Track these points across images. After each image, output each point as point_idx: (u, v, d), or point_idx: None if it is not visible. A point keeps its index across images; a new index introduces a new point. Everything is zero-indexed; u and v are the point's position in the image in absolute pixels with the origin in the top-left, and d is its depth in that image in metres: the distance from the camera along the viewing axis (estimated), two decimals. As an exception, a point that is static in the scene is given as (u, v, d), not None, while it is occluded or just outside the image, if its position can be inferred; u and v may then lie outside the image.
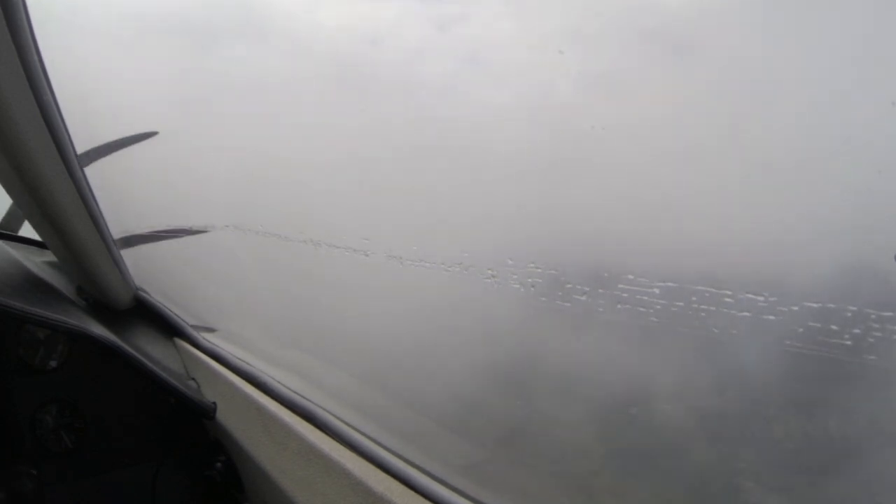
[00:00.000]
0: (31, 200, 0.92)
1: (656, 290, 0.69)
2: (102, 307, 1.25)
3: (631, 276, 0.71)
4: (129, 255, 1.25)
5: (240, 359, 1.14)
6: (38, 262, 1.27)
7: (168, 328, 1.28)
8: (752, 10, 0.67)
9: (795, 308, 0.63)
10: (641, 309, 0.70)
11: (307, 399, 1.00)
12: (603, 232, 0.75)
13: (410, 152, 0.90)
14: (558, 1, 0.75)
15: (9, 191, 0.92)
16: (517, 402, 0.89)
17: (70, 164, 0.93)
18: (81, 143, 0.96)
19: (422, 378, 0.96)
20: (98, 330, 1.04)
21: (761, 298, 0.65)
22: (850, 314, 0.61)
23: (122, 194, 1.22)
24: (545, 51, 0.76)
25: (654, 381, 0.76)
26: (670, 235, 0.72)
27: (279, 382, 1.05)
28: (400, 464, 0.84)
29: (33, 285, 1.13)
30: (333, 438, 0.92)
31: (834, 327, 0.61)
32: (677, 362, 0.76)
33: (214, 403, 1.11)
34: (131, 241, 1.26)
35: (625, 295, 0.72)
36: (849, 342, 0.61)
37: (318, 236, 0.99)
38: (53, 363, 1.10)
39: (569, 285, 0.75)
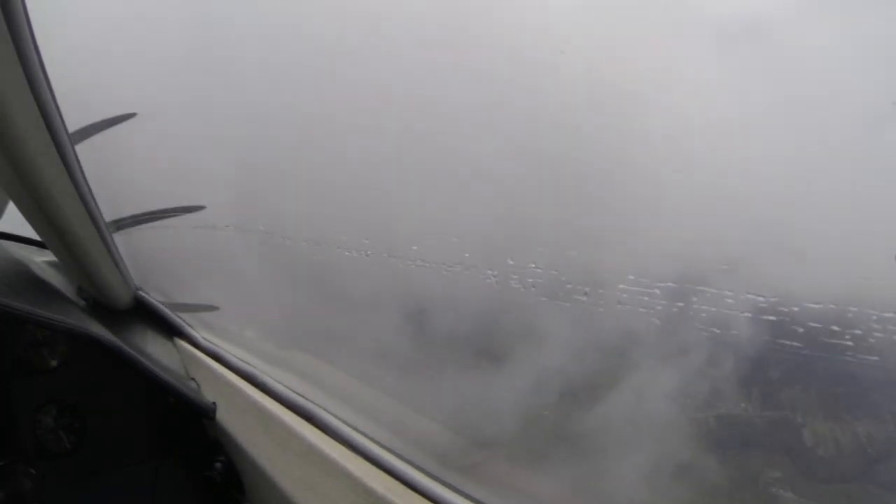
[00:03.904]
0: (31, 200, 0.92)
1: (657, 291, 0.69)
2: (102, 307, 1.25)
3: (632, 277, 0.71)
4: (128, 254, 1.24)
5: (240, 359, 1.13)
6: (38, 262, 1.26)
7: (168, 328, 1.28)
8: (754, 10, 0.67)
9: (796, 308, 0.63)
10: (642, 309, 0.70)
11: (307, 399, 1.00)
12: (604, 232, 0.75)
13: (411, 152, 0.89)
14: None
15: (8, 191, 0.92)
16: (516, 401, 0.89)
17: (70, 164, 0.93)
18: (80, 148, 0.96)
19: (422, 378, 0.96)
20: (98, 330, 1.04)
21: (762, 299, 0.65)
22: (850, 314, 0.61)
23: (119, 189, 1.21)
24: (545, 50, 0.76)
25: (654, 383, 0.76)
26: (671, 236, 0.72)
27: (279, 382, 1.05)
28: (400, 464, 0.84)
29: (33, 285, 1.13)
30: (333, 438, 0.91)
31: (835, 328, 0.61)
32: (676, 362, 0.75)
33: (214, 403, 1.11)
34: (124, 223, 1.25)
35: (625, 295, 0.71)
36: (850, 342, 0.61)
37: (319, 236, 0.99)
38: (53, 363, 1.09)
39: (569, 285, 0.74)
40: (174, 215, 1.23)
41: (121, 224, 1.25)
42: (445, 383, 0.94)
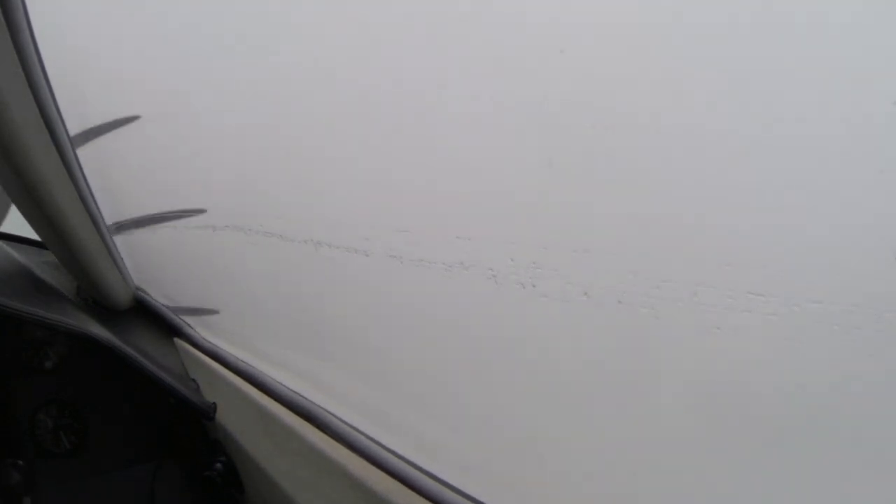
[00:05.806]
0: (31, 201, 0.92)
1: (657, 290, 0.69)
2: (102, 307, 1.25)
3: (632, 276, 0.71)
4: (128, 254, 1.24)
5: (240, 359, 1.13)
6: (38, 262, 1.26)
7: (168, 328, 1.28)
8: (754, 9, 0.66)
9: (796, 309, 0.63)
10: (643, 309, 0.70)
11: (307, 399, 1.00)
12: (604, 231, 0.75)
13: (411, 151, 0.89)
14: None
15: (7, 190, 0.92)
16: (517, 401, 0.89)
17: (69, 164, 0.93)
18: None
19: (422, 378, 0.96)
20: (98, 330, 1.04)
21: (762, 298, 0.65)
22: (851, 314, 0.61)
23: (116, 187, 1.21)
24: (545, 49, 0.75)
25: (654, 383, 0.76)
26: (671, 235, 0.72)
27: (279, 382, 1.05)
28: (400, 464, 0.84)
29: (33, 285, 1.13)
30: (333, 438, 0.91)
31: (835, 328, 0.61)
32: (677, 362, 0.76)
33: (214, 404, 1.11)
34: (124, 226, 1.25)
35: (625, 294, 0.71)
36: (850, 343, 0.61)
37: (319, 236, 0.99)
38: (53, 364, 1.10)
39: (570, 285, 0.74)
40: (175, 218, 1.22)
41: (121, 226, 1.25)
42: (445, 383, 0.94)
